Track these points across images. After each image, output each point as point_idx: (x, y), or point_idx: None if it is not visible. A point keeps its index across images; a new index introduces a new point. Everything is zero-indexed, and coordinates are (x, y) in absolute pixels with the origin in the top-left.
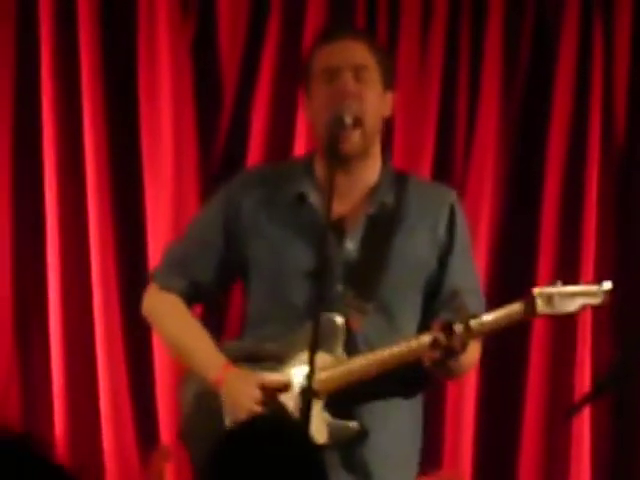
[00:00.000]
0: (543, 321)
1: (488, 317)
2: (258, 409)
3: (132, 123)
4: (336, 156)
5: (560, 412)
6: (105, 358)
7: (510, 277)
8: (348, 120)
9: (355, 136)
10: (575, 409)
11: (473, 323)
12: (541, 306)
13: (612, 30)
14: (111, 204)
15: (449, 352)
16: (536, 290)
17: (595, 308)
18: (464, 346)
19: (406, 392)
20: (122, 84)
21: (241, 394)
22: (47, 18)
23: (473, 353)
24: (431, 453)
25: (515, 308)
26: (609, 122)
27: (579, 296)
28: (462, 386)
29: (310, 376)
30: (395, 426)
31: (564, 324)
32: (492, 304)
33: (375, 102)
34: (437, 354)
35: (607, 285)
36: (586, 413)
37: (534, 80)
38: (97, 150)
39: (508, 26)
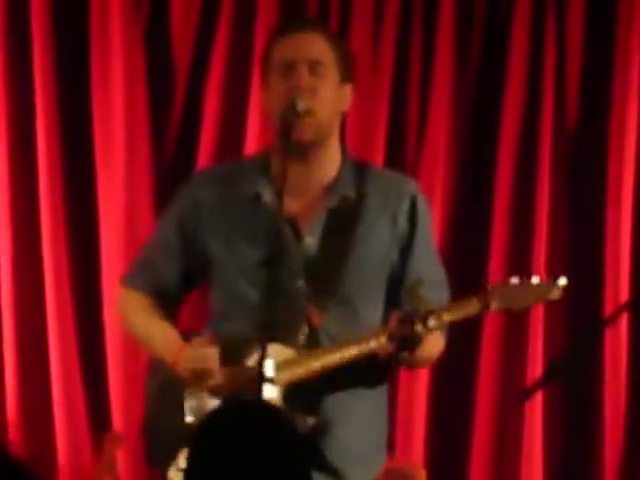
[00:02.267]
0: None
1: (444, 313)
2: (217, 380)
3: (84, 112)
4: (289, 143)
5: (512, 398)
6: (57, 343)
7: (462, 263)
8: (301, 105)
9: (307, 124)
10: (527, 394)
11: (430, 319)
12: (496, 301)
13: (565, 13)
14: (63, 192)
15: (403, 346)
16: (490, 285)
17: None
18: (420, 341)
19: (368, 384)
20: (74, 73)
21: (199, 362)
22: None
23: (435, 345)
24: None
25: (470, 303)
26: (561, 110)
27: (534, 291)
28: (414, 372)
29: (262, 360)
30: (358, 419)
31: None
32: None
33: (330, 96)
34: (391, 347)
35: (562, 281)
36: (538, 398)
37: (487, 66)
38: (49, 139)
39: (460, 12)
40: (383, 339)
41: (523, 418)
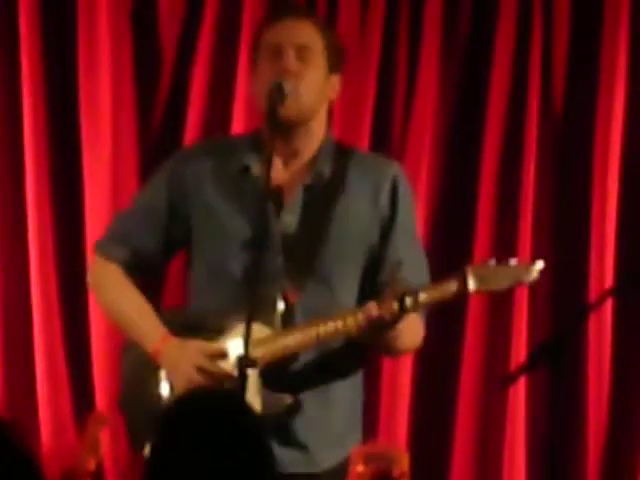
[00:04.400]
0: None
1: (421, 294)
2: (197, 376)
3: (71, 92)
4: (274, 122)
5: (496, 383)
6: (41, 321)
7: (448, 242)
8: (287, 87)
9: (290, 105)
10: (511, 378)
11: (407, 298)
12: (473, 283)
13: (551, 5)
14: (49, 168)
15: (380, 325)
16: (468, 267)
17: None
18: (394, 321)
19: (343, 371)
20: (61, 52)
21: (180, 362)
22: None
23: (414, 333)
24: (366, 421)
25: (448, 285)
26: (547, 96)
27: (511, 274)
28: (397, 358)
29: (246, 344)
30: (332, 398)
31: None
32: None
33: (316, 82)
34: (367, 326)
35: (539, 264)
36: (522, 383)
37: (474, 51)
38: (35, 118)
39: None
40: (360, 317)
41: (507, 403)
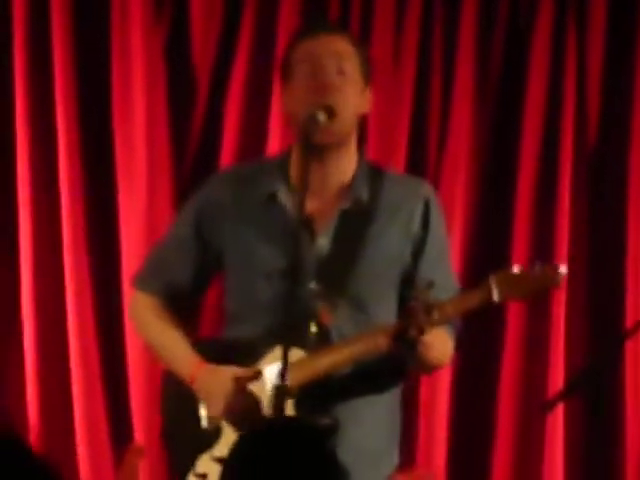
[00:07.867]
0: (517, 317)
1: (448, 305)
2: (230, 402)
3: (105, 123)
4: (310, 146)
5: (534, 409)
6: (78, 355)
7: (484, 270)
8: (322, 118)
9: (329, 129)
10: (549, 406)
11: (433, 311)
12: (498, 292)
13: (585, 28)
14: (84, 203)
15: (408, 340)
16: (492, 276)
17: (555, 291)
18: (420, 332)
19: (379, 386)
20: (95, 85)
21: (214, 387)
22: (20, 21)
23: (444, 348)
24: (404, 450)
25: (473, 294)
26: (582, 116)
27: (536, 279)
28: (435, 381)
29: (283, 374)
30: (370, 421)
31: (538, 320)
32: None
33: (354, 96)
34: (395, 342)
35: (563, 269)
36: (560, 410)
37: (508, 73)
38: (70, 153)
39: (482, 21)
40: (389, 332)
41: (545, 430)
